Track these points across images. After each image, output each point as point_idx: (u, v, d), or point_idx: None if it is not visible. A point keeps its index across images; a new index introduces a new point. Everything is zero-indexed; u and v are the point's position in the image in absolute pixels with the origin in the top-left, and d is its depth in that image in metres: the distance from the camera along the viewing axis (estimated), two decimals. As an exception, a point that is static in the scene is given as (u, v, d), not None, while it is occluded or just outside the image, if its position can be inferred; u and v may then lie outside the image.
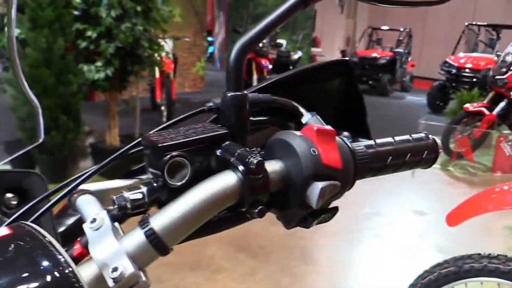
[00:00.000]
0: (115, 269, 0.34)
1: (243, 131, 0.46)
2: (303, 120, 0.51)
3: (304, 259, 2.77)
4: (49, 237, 0.34)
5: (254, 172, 0.40)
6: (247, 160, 0.40)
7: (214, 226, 0.45)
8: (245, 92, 0.47)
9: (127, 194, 0.40)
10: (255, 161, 0.40)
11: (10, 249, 0.32)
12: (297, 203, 0.43)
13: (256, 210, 0.41)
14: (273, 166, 0.43)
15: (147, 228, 0.37)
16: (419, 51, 13.16)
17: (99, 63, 3.69)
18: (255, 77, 7.04)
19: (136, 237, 0.37)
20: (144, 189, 0.40)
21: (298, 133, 0.44)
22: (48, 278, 0.31)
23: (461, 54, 8.70)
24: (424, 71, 12.16)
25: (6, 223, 0.40)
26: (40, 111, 0.58)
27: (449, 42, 10.00)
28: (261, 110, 0.51)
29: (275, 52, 8.60)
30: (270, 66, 7.29)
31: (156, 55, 4.08)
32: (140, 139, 0.44)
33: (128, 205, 0.39)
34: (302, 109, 0.52)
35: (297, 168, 0.42)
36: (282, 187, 0.43)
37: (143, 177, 0.49)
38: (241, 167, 0.40)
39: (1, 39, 3.54)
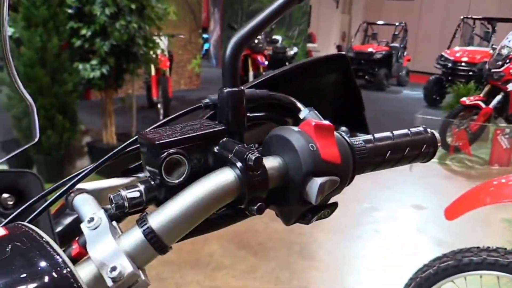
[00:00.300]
0: (113, 269, 0.34)
1: (240, 128, 0.46)
2: (301, 115, 0.51)
3: (303, 255, 2.77)
4: (46, 237, 0.33)
5: (252, 169, 0.40)
6: (245, 156, 0.39)
7: (213, 223, 0.45)
8: (242, 88, 0.46)
9: (124, 193, 0.39)
10: (253, 158, 0.39)
11: (7, 250, 0.32)
12: (296, 199, 0.42)
13: (255, 207, 0.41)
14: (271, 162, 0.42)
15: (145, 227, 0.37)
16: (415, 45, 13.17)
17: (94, 62, 3.68)
18: (251, 73, 7.04)
19: (134, 236, 0.37)
20: (141, 187, 0.40)
21: (296, 128, 0.44)
22: (46, 279, 0.30)
23: (456, 48, 8.71)
24: (420, 65, 12.18)
25: (3, 224, 0.39)
26: (35, 110, 0.57)
27: (444, 36, 10.01)
28: (258, 106, 0.51)
29: (270, 48, 8.61)
30: (266, 62, 7.30)
31: (151, 52, 4.07)
32: (136, 137, 0.43)
33: (126, 204, 0.39)
34: (299, 104, 0.52)
35: (295, 164, 0.42)
36: (281, 184, 0.43)
37: (141, 175, 0.48)
38: (239, 164, 0.40)
39: None
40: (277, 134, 0.44)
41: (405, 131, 0.51)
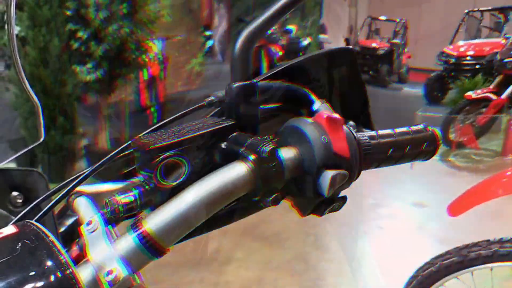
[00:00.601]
0: (109, 272, 0.35)
1: (252, 121, 0.45)
2: (314, 107, 0.50)
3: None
4: (51, 237, 0.34)
5: (267, 160, 0.40)
6: (258, 149, 0.40)
7: (225, 217, 0.45)
8: (254, 80, 0.46)
9: (119, 197, 0.39)
10: (267, 149, 0.39)
11: (17, 247, 0.33)
12: (311, 190, 0.42)
13: (271, 198, 0.41)
14: (287, 153, 0.42)
15: (139, 232, 0.37)
16: (415, 42, 13.01)
17: (89, 65, 3.67)
18: (265, 64, 6.96)
19: (128, 241, 0.37)
20: (136, 191, 0.40)
21: (309, 120, 0.44)
22: (51, 278, 0.31)
23: (460, 42, 8.60)
24: (420, 62, 12.02)
25: (13, 221, 0.40)
26: (40, 110, 0.58)
27: (445, 33, 9.85)
28: (271, 97, 0.50)
29: (284, 39, 8.48)
30: (280, 53, 7.21)
31: (143, 57, 4.01)
32: (130, 142, 0.43)
33: (120, 208, 0.39)
34: (313, 96, 0.51)
35: (309, 156, 0.42)
36: (297, 174, 0.43)
37: (137, 178, 0.48)
38: (252, 157, 0.40)
39: (3, 37, 3.53)
40: (292, 125, 0.44)
41: (405, 128, 0.51)
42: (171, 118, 0.47)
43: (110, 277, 0.35)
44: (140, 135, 0.43)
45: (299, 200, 0.45)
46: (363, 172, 0.48)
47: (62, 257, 0.33)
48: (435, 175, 4.32)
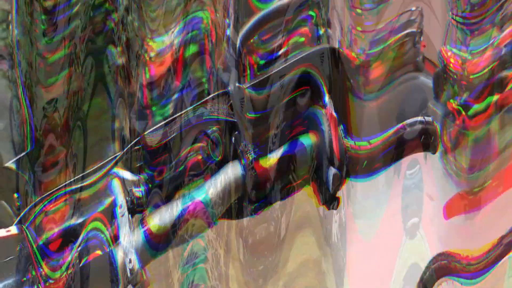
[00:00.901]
0: (130, 261, 0.34)
1: (240, 125, 0.45)
2: (326, 100, 0.48)
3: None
4: (35, 248, 0.35)
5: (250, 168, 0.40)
6: (247, 155, 0.40)
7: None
8: (244, 86, 0.46)
9: (134, 190, 0.39)
10: (250, 158, 0.40)
11: (17, 249, 0.34)
12: (324, 180, 0.43)
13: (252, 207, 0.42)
14: (313, 138, 0.43)
15: (145, 228, 0.37)
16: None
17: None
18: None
19: (139, 235, 0.37)
20: (143, 188, 0.39)
21: (323, 111, 0.45)
22: (33, 285, 0.33)
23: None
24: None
25: (15, 222, 0.40)
26: (28, 118, 0.57)
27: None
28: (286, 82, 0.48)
29: None
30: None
31: None
32: (140, 137, 0.42)
33: (135, 201, 0.39)
34: (325, 88, 0.48)
35: (323, 146, 0.42)
36: (318, 160, 0.43)
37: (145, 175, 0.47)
38: (244, 161, 0.40)
39: (8, 36, 3.47)
40: (313, 113, 0.45)
41: (427, 118, 0.52)
42: (201, 102, 0.46)
43: (130, 265, 0.34)
44: (147, 131, 0.42)
45: (320, 188, 0.44)
46: None
47: (41, 270, 0.34)
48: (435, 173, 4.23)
